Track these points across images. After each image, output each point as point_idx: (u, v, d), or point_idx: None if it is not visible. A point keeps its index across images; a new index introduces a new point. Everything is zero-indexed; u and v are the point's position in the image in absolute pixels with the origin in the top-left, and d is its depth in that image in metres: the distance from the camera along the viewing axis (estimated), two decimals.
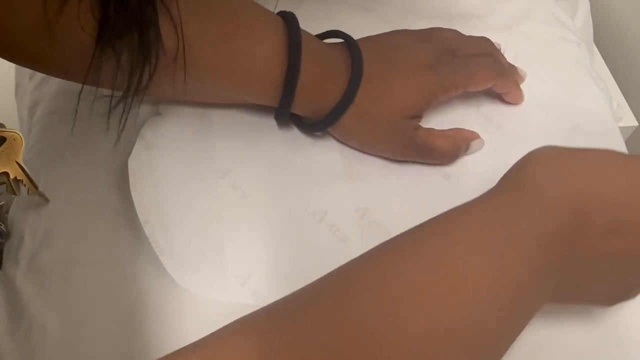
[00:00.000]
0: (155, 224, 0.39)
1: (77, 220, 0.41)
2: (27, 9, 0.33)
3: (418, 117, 0.42)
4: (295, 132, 0.44)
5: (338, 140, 0.43)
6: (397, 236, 0.30)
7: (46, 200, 0.42)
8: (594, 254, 0.30)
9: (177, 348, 0.29)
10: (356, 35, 0.43)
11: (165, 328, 0.37)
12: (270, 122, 0.44)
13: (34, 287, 0.39)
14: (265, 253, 0.39)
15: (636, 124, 0.66)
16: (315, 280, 0.30)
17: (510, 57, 0.47)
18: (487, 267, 0.28)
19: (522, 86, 0.46)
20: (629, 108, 0.67)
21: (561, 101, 0.47)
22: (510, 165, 0.34)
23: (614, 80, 0.68)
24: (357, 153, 0.43)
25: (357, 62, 0.40)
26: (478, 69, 0.42)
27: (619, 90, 0.68)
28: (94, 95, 0.35)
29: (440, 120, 0.44)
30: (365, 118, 0.41)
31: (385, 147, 0.42)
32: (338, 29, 0.43)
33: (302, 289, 0.29)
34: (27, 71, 0.53)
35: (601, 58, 0.69)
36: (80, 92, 0.34)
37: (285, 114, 0.42)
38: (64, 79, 0.42)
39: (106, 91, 0.35)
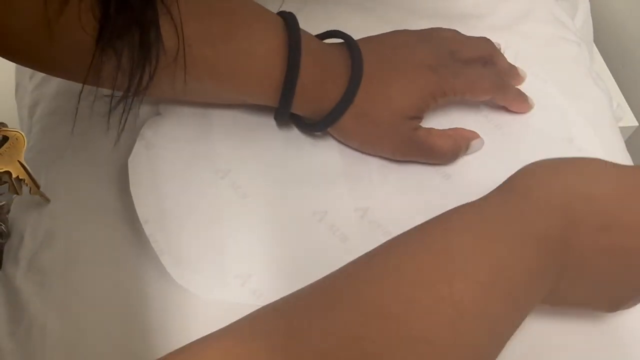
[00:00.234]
0: (155, 223, 0.39)
1: (77, 220, 0.41)
2: (27, 9, 0.33)
3: (418, 118, 0.42)
4: (295, 132, 0.44)
5: (338, 140, 0.44)
6: (402, 234, 0.32)
7: (47, 200, 0.42)
8: (589, 252, 0.31)
9: (177, 348, 0.29)
10: (356, 36, 0.43)
11: (165, 328, 0.37)
12: (270, 122, 0.44)
13: (34, 287, 0.39)
14: (265, 253, 0.39)
15: (636, 124, 0.66)
16: (322, 278, 0.30)
17: (510, 57, 0.47)
18: (487, 261, 0.29)
19: (522, 86, 0.46)
20: (629, 108, 0.67)
21: (561, 101, 0.47)
22: (509, 165, 0.35)
23: (614, 80, 0.68)
24: (357, 153, 0.43)
25: (357, 62, 0.40)
26: (478, 79, 0.42)
27: (619, 90, 0.68)
28: (94, 95, 0.35)
29: (440, 121, 0.44)
30: (365, 118, 0.41)
31: (385, 147, 0.42)
32: (338, 29, 0.43)
33: (308, 285, 0.30)
34: (28, 71, 0.53)
35: (601, 58, 0.69)
36: (81, 92, 0.34)
37: (285, 114, 0.42)
38: (64, 78, 0.42)
39: (106, 91, 0.35)
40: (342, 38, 0.42)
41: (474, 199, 0.35)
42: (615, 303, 0.35)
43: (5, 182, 0.39)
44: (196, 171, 0.42)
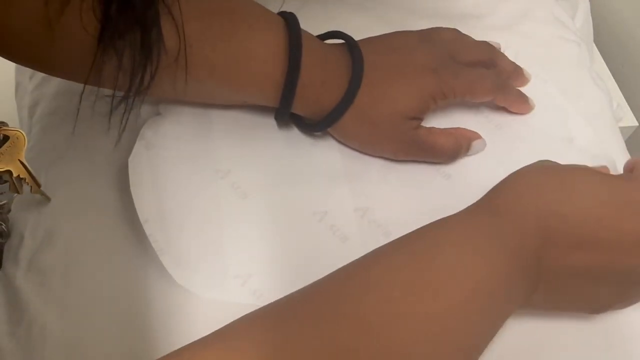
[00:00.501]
0: (155, 223, 0.39)
1: (77, 220, 0.41)
2: (28, 9, 0.33)
3: (418, 119, 0.42)
4: (295, 132, 0.44)
5: (338, 140, 0.44)
6: (387, 245, 0.32)
7: (48, 199, 0.42)
8: (562, 268, 0.32)
9: (177, 347, 0.29)
10: (357, 36, 0.43)
11: (165, 328, 0.37)
12: (271, 122, 0.44)
13: (34, 287, 0.39)
14: (265, 253, 0.39)
15: (636, 124, 0.66)
16: (314, 282, 0.31)
17: (510, 57, 0.47)
18: (469, 275, 0.30)
19: (522, 87, 0.46)
20: (629, 108, 0.67)
21: (561, 101, 0.47)
22: (509, 165, 0.35)
23: (614, 80, 0.68)
24: (357, 153, 0.43)
25: (357, 63, 0.40)
26: (478, 81, 0.42)
27: (619, 90, 0.68)
28: (95, 95, 0.35)
29: (440, 120, 0.44)
30: (365, 119, 0.41)
31: (385, 148, 0.42)
32: (338, 29, 0.43)
33: (302, 289, 0.30)
34: (28, 71, 0.53)
35: (601, 58, 0.69)
36: (82, 92, 0.34)
37: (286, 114, 0.42)
38: (64, 78, 0.42)
39: (108, 91, 0.35)
40: (342, 39, 0.42)
41: (475, 199, 0.35)
42: (596, 309, 0.35)
43: (6, 182, 0.39)
44: (196, 171, 0.42)
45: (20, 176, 0.39)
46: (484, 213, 0.33)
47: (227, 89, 0.40)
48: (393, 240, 0.32)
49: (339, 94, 0.40)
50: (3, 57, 0.37)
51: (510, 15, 0.52)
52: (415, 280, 0.29)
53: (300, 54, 0.39)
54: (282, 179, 0.42)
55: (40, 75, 0.51)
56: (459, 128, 0.44)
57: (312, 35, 0.41)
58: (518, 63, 0.47)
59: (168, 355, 0.27)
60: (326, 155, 0.43)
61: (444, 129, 0.43)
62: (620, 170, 0.40)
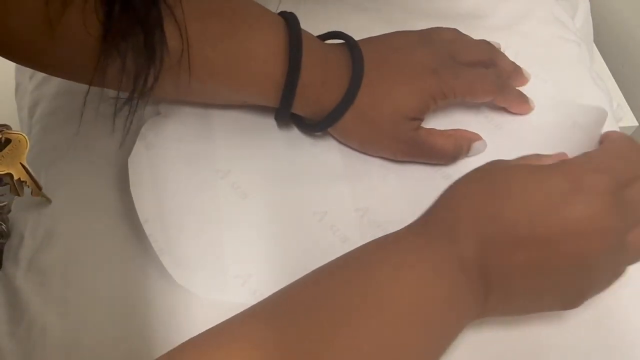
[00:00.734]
0: (155, 223, 0.39)
1: (77, 220, 0.41)
2: (28, 9, 0.33)
3: (419, 119, 0.42)
4: (295, 132, 0.44)
5: (338, 140, 0.43)
6: (324, 266, 0.32)
7: (48, 201, 0.42)
8: (508, 269, 0.32)
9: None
10: (357, 36, 0.43)
11: (165, 328, 0.37)
12: (271, 122, 0.44)
13: (34, 287, 0.39)
14: (265, 253, 0.39)
15: (636, 124, 0.66)
16: (257, 305, 0.31)
17: (510, 57, 0.47)
18: (406, 293, 0.30)
19: (522, 87, 0.46)
20: (629, 108, 0.67)
21: (561, 101, 0.47)
22: None
23: (614, 80, 0.68)
24: (357, 153, 0.43)
25: (357, 63, 0.40)
26: (478, 81, 0.42)
27: (619, 90, 0.68)
28: (100, 98, 0.35)
29: (440, 121, 0.44)
30: (365, 119, 0.41)
31: (385, 148, 0.42)
32: (338, 29, 0.43)
33: (246, 310, 0.31)
34: (28, 71, 0.53)
35: (601, 58, 0.69)
36: (87, 94, 0.34)
37: (286, 114, 0.42)
38: (65, 78, 0.42)
39: (111, 93, 0.35)
40: (343, 39, 0.42)
41: None
42: (567, 303, 0.34)
43: (7, 184, 0.39)
44: (196, 171, 0.42)
45: (21, 179, 0.39)
46: (421, 231, 0.33)
47: (228, 89, 0.40)
48: (329, 263, 0.32)
49: (339, 94, 0.40)
50: (3, 57, 0.37)
51: (510, 15, 0.52)
52: (348, 302, 0.29)
53: (300, 54, 0.39)
54: (282, 179, 0.42)
55: (40, 75, 0.51)
56: (459, 129, 0.44)
57: (312, 35, 0.41)
58: (518, 63, 0.47)
59: (168, 353, 0.28)
60: (326, 155, 0.43)
61: (444, 130, 0.43)
62: None
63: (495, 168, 0.35)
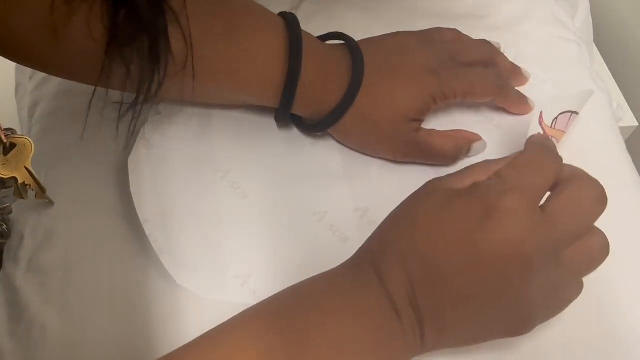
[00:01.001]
0: (155, 223, 0.39)
1: (77, 220, 0.41)
2: (33, 14, 0.33)
3: (419, 120, 0.42)
4: (295, 133, 0.44)
5: (338, 140, 0.44)
6: (252, 307, 0.32)
7: (51, 203, 0.42)
8: (437, 303, 0.31)
9: (176, 347, 0.29)
10: (357, 36, 0.43)
11: (165, 328, 0.37)
12: (271, 122, 0.44)
13: (34, 287, 0.39)
14: (265, 253, 0.39)
15: (636, 124, 0.66)
16: (257, 305, 0.31)
17: (510, 57, 0.47)
18: (334, 337, 0.30)
19: (522, 87, 0.46)
20: (629, 108, 0.67)
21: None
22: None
23: (614, 80, 0.68)
24: (357, 153, 0.43)
25: (358, 64, 0.40)
26: (478, 82, 0.42)
27: (619, 90, 0.68)
28: (103, 101, 0.35)
29: (440, 121, 0.44)
30: (365, 119, 0.41)
31: (385, 148, 0.42)
32: (338, 29, 0.43)
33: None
34: (28, 71, 0.53)
35: (601, 58, 0.69)
36: (91, 99, 0.34)
37: (286, 114, 0.42)
38: (67, 79, 0.42)
39: (115, 97, 0.35)
40: (343, 39, 0.42)
41: None
42: (515, 330, 0.33)
43: (10, 187, 0.39)
44: (196, 171, 0.42)
45: (26, 183, 0.39)
46: (349, 270, 0.33)
47: (228, 90, 0.40)
48: (259, 304, 0.32)
49: (339, 95, 0.40)
50: (8, 59, 0.37)
51: (510, 15, 0.52)
52: (274, 347, 0.29)
53: (300, 55, 0.39)
54: (282, 179, 0.42)
55: (40, 75, 0.51)
56: (459, 130, 0.44)
57: (312, 36, 0.41)
58: (518, 63, 0.47)
59: (167, 355, 0.28)
60: (326, 156, 0.43)
61: (444, 131, 0.43)
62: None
63: (420, 196, 0.34)
